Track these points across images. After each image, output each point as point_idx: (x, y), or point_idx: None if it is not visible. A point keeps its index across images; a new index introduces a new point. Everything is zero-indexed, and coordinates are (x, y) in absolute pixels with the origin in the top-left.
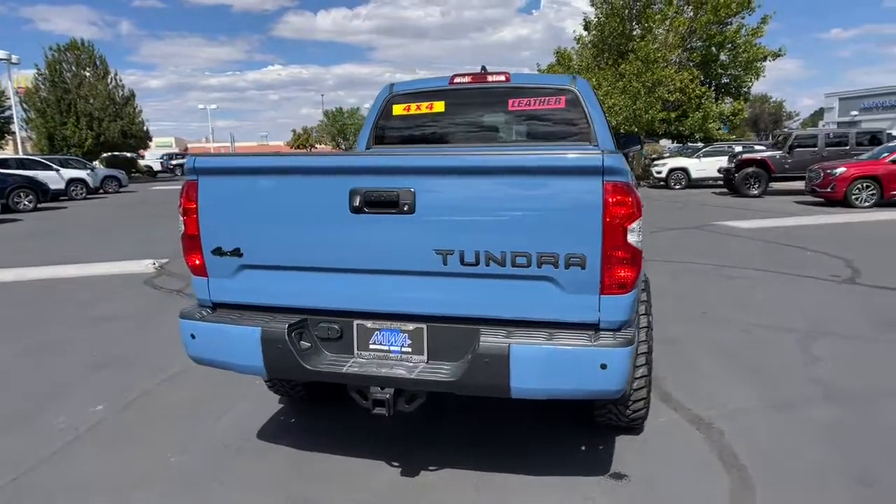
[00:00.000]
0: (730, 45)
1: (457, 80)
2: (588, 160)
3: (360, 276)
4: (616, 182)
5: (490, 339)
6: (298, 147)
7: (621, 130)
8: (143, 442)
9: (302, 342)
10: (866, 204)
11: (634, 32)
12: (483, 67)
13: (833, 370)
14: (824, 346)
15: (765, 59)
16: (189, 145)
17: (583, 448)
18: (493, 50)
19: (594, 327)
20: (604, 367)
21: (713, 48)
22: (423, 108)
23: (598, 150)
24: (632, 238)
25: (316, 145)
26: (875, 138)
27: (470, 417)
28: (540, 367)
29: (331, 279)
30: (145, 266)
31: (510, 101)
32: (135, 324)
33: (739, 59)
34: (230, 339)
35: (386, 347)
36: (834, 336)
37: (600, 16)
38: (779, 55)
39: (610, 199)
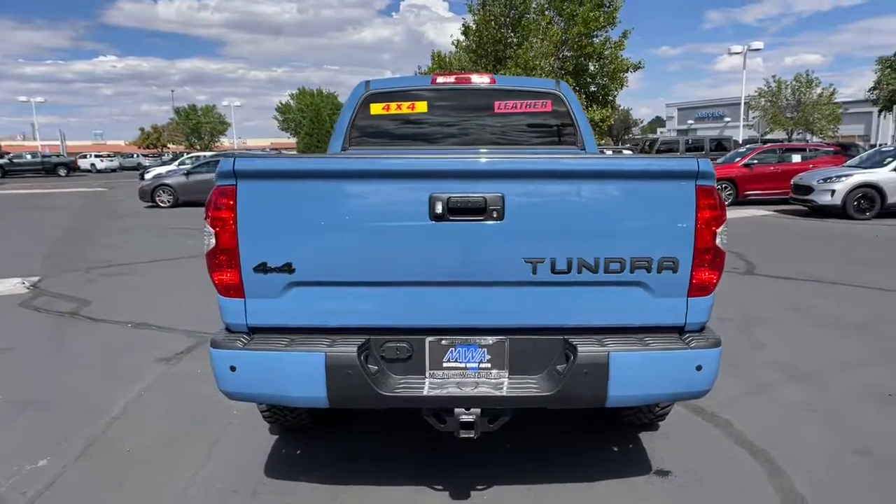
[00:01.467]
0: (598, 56)
1: (439, 80)
2: (684, 164)
3: (433, 288)
4: (707, 186)
5: (588, 349)
6: (147, 147)
7: None
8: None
9: (369, 365)
10: (725, 203)
11: (511, 40)
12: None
13: (781, 353)
14: (762, 332)
15: (627, 70)
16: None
17: (615, 449)
18: (353, 51)
19: (679, 330)
20: (699, 368)
21: (583, 59)
22: (405, 107)
23: (692, 155)
24: (719, 241)
25: (169, 145)
26: (721, 145)
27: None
28: (639, 373)
29: (401, 294)
30: (14, 286)
31: (496, 104)
32: (34, 356)
33: (606, 69)
34: (285, 369)
35: (462, 364)
36: (763, 322)
37: (479, 22)
38: (639, 67)
39: (702, 203)
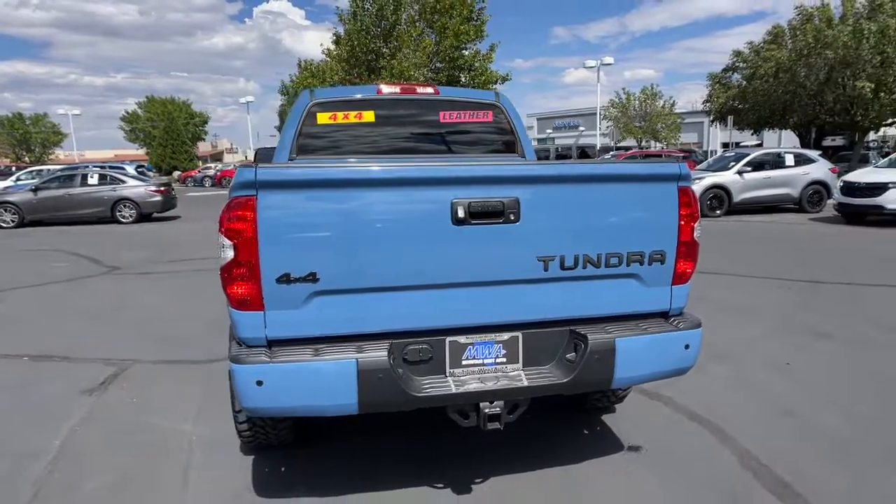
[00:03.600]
0: (469, 68)
1: (385, 90)
2: (669, 168)
3: (453, 290)
4: (685, 186)
5: (598, 337)
6: None
7: None
8: None
9: (398, 369)
10: None
11: (384, 50)
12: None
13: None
14: None
15: (496, 82)
16: None
17: (586, 432)
18: (203, 57)
19: (665, 315)
20: (687, 347)
21: (455, 70)
22: (352, 117)
23: (675, 159)
24: (696, 234)
25: None
26: (584, 152)
27: (457, 426)
28: (639, 355)
29: (423, 297)
30: None
31: (441, 114)
32: None
33: (477, 80)
34: (316, 379)
35: (480, 361)
36: None
37: (351, 31)
38: (507, 79)
39: (682, 201)
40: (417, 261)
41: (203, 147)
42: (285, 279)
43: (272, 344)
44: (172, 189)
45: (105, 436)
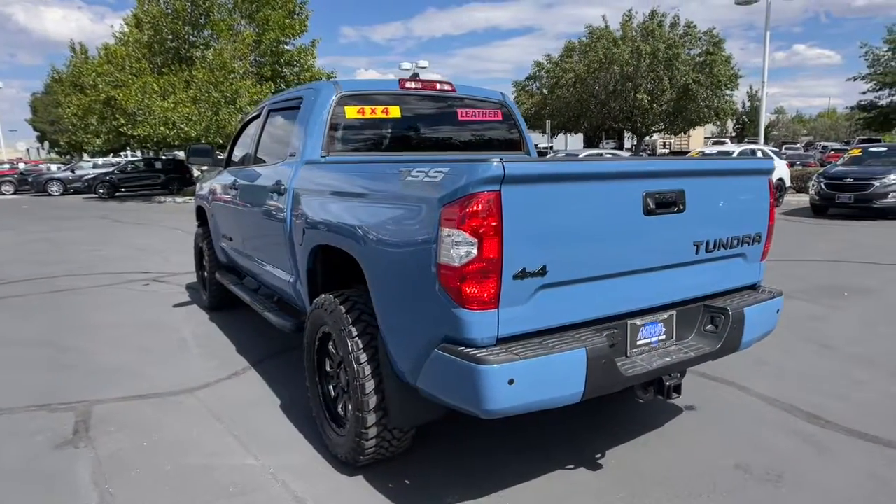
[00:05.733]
0: (294, 63)
1: (407, 84)
2: (767, 164)
3: (635, 276)
4: (771, 179)
5: (734, 308)
6: None
7: (201, 141)
8: None
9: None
10: None
11: (196, 40)
12: (416, 74)
13: None
14: None
15: (321, 79)
16: None
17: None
18: None
19: (754, 287)
20: (777, 311)
21: (279, 65)
22: (379, 111)
23: (769, 156)
24: (773, 219)
25: None
26: None
27: (439, 441)
28: (755, 320)
29: (617, 284)
30: None
31: (459, 112)
32: None
33: (302, 77)
34: (555, 371)
35: (648, 340)
36: None
37: (156, 15)
38: (331, 76)
39: (771, 191)
40: (618, 249)
41: None
42: (521, 275)
43: (501, 342)
44: None
45: (172, 490)
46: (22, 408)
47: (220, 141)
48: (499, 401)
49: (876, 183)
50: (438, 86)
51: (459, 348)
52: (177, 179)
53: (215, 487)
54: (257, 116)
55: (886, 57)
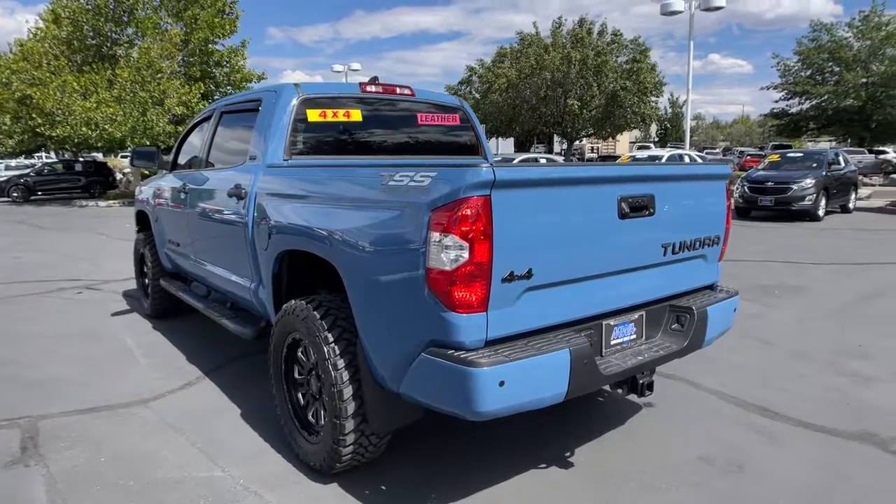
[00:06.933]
0: (224, 64)
1: (368, 88)
2: (725, 169)
3: (609, 278)
4: (727, 184)
5: (698, 308)
6: None
7: (126, 143)
8: None
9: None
10: None
11: (116, 36)
12: (375, 77)
13: None
14: None
15: (251, 80)
16: None
17: (618, 402)
18: None
19: (712, 287)
20: (735, 310)
21: (208, 66)
22: (340, 115)
23: (727, 161)
24: (730, 222)
25: None
26: None
27: (407, 442)
28: (716, 319)
29: (591, 286)
30: None
31: (419, 115)
32: None
33: (232, 78)
34: (542, 372)
35: (620, 340)
36: None
37: (76, 10)
38: (262, 78)
39: (727, 195)
40: (596, 252)
41: None
42: (509, 278)
43: (488, 344)
44: None
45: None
46: None
47: (148, 142)
48: (489, 403)
49: (794, 187)
50: (398, 90)
51: (448, 352)
52: (98, 182)
53: (186, 501)
54: (207, 119)
55: (797, 68)
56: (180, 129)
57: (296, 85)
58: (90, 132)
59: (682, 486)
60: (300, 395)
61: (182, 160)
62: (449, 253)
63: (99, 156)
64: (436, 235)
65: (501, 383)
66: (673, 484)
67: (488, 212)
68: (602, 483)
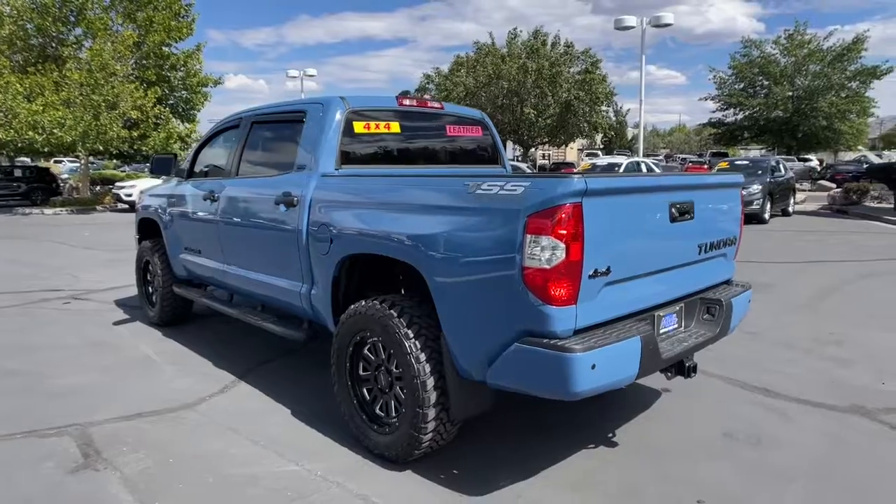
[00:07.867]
0: (180, 68)
1: (405, 102)
2: (740, 178)
3: (660, 274)
4: (740, 190)
5: (726, 299)
6: None
7: (77, 146)
8: None
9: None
10: None
11: (65, 37)
12: (407, 92)
13: None
14: None
15: (207, 85)
16: None
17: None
18: None
19: (729, 282)
20: (749, 301)
21: (164, 70)
22: (382, 127)
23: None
24: (744, 224)
25: None
26: None
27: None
28: (738, 309)
29: (649, 281)
30: None
31: (448, 127)
32: None
33: (189, 82)
34: (622, 355)
35: (666, 329)
36: None
37: (21, 9)
38: (219, 82)
39: (742, 200)
40: (654, 251)
41: None
42: (594, 274)
43: (576, 333)
44: None
45: (229, 501)
46: (5, 436)
47: (101, 148)
48: (583, 384)
49: (743, 192)
50: (430, 104)
51: (544, 340)
52: (40, 189)
53: (271, 494)
54: (231, 128)
55: (731, 80)
56: (135, 134)
57: (342, 98)
58: (37, 136)
59: (717, 457)
60: (365, 391)
61: (200, 168)
62: (545, 253)
63: (29, 160)
64: (532, 237)
65: (593, 366)
66: (709, 456)
67: (580, 216)
68: (650, 458)
